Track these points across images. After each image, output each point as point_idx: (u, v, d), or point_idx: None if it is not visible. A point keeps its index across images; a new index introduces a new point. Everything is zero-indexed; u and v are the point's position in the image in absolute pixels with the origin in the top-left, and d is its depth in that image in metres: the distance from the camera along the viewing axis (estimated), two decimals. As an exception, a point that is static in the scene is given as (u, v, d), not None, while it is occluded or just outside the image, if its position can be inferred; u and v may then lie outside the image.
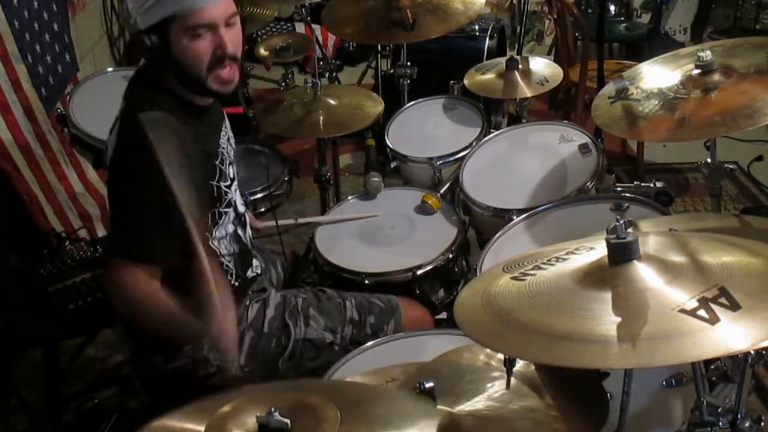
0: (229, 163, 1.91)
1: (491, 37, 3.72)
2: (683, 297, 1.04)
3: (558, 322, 1.06)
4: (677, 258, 1.12)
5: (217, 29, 1.72)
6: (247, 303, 1.95)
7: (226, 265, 1.90)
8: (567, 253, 1.25)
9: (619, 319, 1.03)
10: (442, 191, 2.42)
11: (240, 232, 1.96)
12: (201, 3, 1.68)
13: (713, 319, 0.98)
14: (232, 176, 1.92)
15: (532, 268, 1.23)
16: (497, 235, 2.12)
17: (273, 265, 2.19)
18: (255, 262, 2.04)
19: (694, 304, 1.02)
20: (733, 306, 1.00)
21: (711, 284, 1.05)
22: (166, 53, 1.72)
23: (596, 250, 1.19)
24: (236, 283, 1.92)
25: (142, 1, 1.68)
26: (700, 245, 1.17)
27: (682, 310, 1.01)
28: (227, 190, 1.88)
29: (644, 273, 1.10)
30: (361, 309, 1.99)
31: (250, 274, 2.01)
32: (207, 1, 1.69)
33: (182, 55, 1.72)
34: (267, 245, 2.37)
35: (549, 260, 1.24)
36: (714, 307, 1.00)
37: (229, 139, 1.95)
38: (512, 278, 1.21)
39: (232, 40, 1.75)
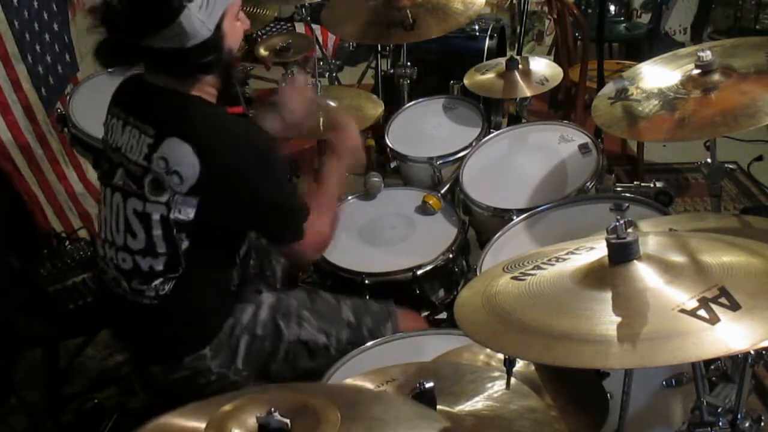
0: None
1: (491, 37, 3.72)
2: (683, 297, 1.04)
3: (558, 322, 1.06)
4: (677, 258, 1.12)
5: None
6: (241, 306, 1.92)
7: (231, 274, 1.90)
8: (567, 253, 1.25)
9: (619, 319, 1.03)
10: (442, 191, 2.42)
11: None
12: None
13: (713, 319, 0.98)
14: None
15: (532, 268, 1.23)
16: (497, 235, 2.12)
17: (268, 263, 2.18)
18: (251, 262, 2.04)
19: (694, 304, 1.02)
20: (733, 306, 1.00)
21: (711, 284, 1.04)
22: (221, 48, 1.75)
23: (596, 250, 1.19)
24: (234, 289, 1.92)
25: (203, 4, 1.67)
26: (700, 245, 1.17)
27: (682, 310, 1.01)
28: None
29: (644, 273, 1.10)
30: (357, 311, 1.98)
31: (250, 273, 2.01)
32: None
33: (233, 43, 1.78)
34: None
35: (549, 260, 1.24)
36: (714, 307, 1.00)
37: None
38: (512, 278, 1.21)
39: None
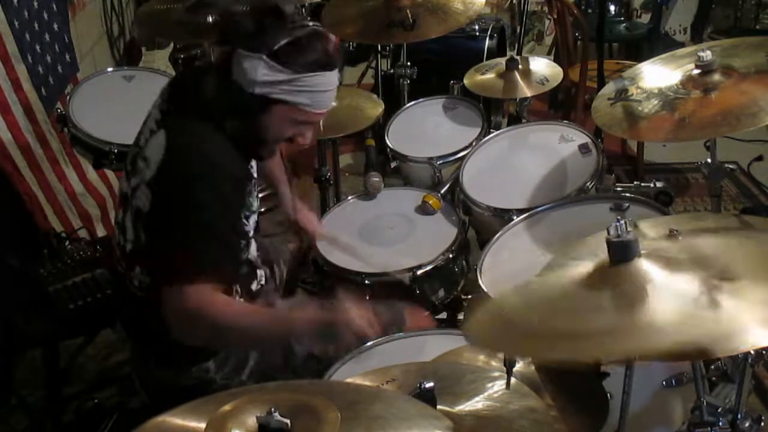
0: (256, 194, 1.88)
1: (491, 37, 3.72)
2: (683, 296, 1.04)
3: (558, 322, 1.06)
4: (677, 257, 1.13)
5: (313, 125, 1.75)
6: None
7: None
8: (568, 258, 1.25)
9: (619, 318, 1.03)
10: (442, 191, 2.42)
11: (251, 257, 1.93)
12: (325, 107, 1.69)
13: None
14: (253, 208, 1.87)
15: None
16: (497, 235, 2.12)
17: (277, 263, 2.16)
18: (259, 272, 1.99)
19: (694, 303, 1.02)
20: (733, 305, 1.00)
21: (711, 284, 1.05)
22: (253, 116, 1.67)
23: (596, 251, 1.19)
24: (241, 299, 1.89)
25: (274, 76, 1.61)
26: (700, 245, 1.17)
27: (683, 309, 1.01)
28: (245, 221, 1.84)
29: (644, 272, 1.10)
30: None
31: (254, 287, 1.96)
32: (328, 106, 1.70)
33: (268, 128, 1.69)
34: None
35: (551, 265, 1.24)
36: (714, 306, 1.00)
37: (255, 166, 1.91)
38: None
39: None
